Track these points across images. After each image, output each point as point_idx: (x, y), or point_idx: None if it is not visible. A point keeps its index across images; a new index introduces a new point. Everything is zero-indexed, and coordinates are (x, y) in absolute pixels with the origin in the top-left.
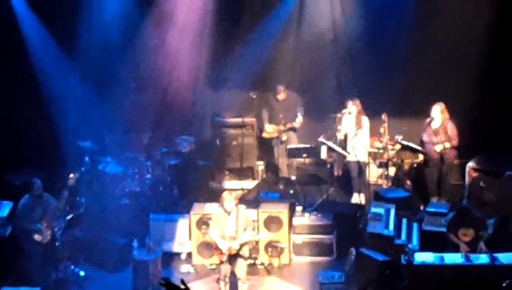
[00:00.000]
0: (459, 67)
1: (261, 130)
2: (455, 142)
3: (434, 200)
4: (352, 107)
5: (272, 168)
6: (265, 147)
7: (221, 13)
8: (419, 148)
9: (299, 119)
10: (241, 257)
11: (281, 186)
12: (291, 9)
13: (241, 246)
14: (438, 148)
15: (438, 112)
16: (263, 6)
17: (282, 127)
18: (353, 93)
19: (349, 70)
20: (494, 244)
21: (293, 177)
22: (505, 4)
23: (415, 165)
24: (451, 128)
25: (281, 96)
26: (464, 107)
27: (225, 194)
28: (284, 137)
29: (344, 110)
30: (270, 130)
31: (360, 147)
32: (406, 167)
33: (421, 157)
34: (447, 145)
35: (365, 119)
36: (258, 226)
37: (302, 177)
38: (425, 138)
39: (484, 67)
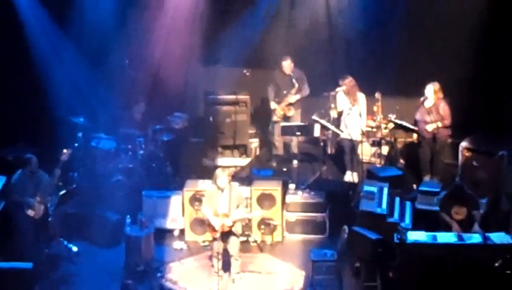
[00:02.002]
0: (453, 47)
1: (270, 110)
2: (447, 121)
3: (427, 179)
4: (342, 86)
5: (267, 145)
6: (260, 124)
7: None
8: (412, 127)
9: (305, 93)
10: (234, 234)
11: (274, 164)
12: None
13: (234, 223)
14: (430, 127)
15: (431, 92)
16: None
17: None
18: (347, 71)
19: (342, 49)
20: (487, 224)
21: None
22: None
23: (408, 144)
24: (444, 108)
25: (288, 68)
26: (457, 87)
27: (218, 171)
28: (291, 112)
29: (337, 89)
30: (278, 113)
31: (354, 126)
32: (399, 145)
33: (414, 136)
34: (439, 124)
35: (361, 96)
36: (251, 204)
37: (295, 155)
38: (418, 116)
39: (478, 47)
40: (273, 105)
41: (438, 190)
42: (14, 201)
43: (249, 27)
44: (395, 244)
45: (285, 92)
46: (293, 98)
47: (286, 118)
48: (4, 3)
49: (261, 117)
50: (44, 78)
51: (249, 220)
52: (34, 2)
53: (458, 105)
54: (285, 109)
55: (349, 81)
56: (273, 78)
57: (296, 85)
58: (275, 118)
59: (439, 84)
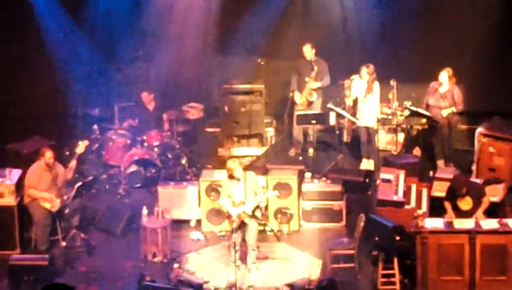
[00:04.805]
0: (468, 32)
1: (292, 101)
2: (461, 107)
3: (441, 165)
4: (366, 74)
5: (283, 134)
6: (275, 113)
7: None
8: (428, 114)
9: (326, 82)
10: (252, 223)
11: (290, 153)
12: None
13: (253, 211)
14: (445, 112)
15: (446, 77)
16: None
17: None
18: (361, 59)
19: (357, 37)
20: (503, 210)
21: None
22: None
23: (423, 131)
24: (458, 94)
25: (309, 53)
26: (473, 72)
27: (230, 164)
28: (314, 96)
29: (352, 76)
30: (300, 101)
31: (369, 113)
32: (415, 132)
33: (424, 121)
34: (454, 110)
35: (376, 84)
36: (266, 192)
37: (311, 143)
38: (432, 102)
39: (493, 31)
40: (295, 95)
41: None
42: (31, 194)
43: (264, 16)
44: (412, 232)
45: (306, 79)
46: (314, 84)
47: (309, 103)
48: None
49: (277, 106)
50: (59, 71)
51: (266, 209)
52: None
53: (474, 90)
54: (308, 94)
55: (373, 69)
56: (296, 67)
57: (316, 68)
58: (299, 105)
59: (452, 69)
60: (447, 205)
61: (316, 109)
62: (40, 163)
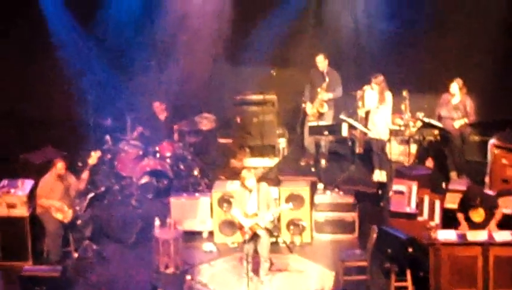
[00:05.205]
0: (480, 43)
1: (304, 111)
2: (473, 118)
3: (454, 176)
4: (375, 85)
5: (295, 144)
6: (288, 124)
7: None
8: (441, 125)
9: (338, 94)
10: (265, 236)
11: (302, 164)
12: None
13: (266, 227)
14: (458, 124)
15: (457, 88)
16: None
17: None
18: (373, 70)
19: (369, 48)
20: None
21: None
22: None
23: (436, 142)
24: (470, 105)
25: (321, 64)
26: (485, 83)
27: (244, 173)
28: (325, 108)
29: (365, 87)
30: (311, 112)
31: (382, 124)
32: (427, 144)
33: (436, 132)
34: (466, 121)
35: (388, 95)
36: (279, 204)
37: (323, 154)
38: (444, 113)
39: (506, 43)
40: (307, 106)
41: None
42: (42, 204)
43: (276, 26)
44: (425, 244)
45: (318, 90)
46: (325, 95)
47: (320, 115)
48: (31, 9)
49: (289, 117)
50: (71, 81)
51: (278, 220)
52: (60, 7)
53: (487, 101)
54: (318, 106)
55: (382, 79)
56: (309, 77)
57: (327, 79)
58: (309, 117)
59: (463, 80)
60: (460, 216)
61: (328, 120)
62: (52, 173)
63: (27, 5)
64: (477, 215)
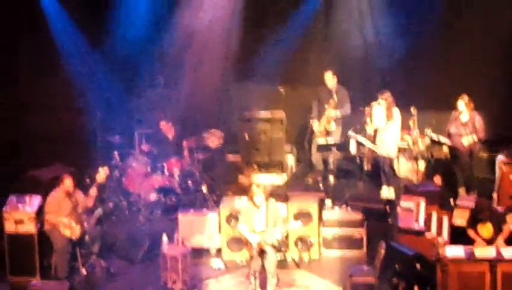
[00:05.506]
0: (488, 59)
1: (312, 128)
2: (481, 135)
3: (463, 192)
4: (382, 101)
5: (303, 161)
6: (296, 141)
7: (249, 9)
8: (449, 142)
9: (346, 111)
10: (271, 252)
11: (310, 181)
12: (318, 6)
13: (273, 244)
14: (466, 141)
15: (463, 105)
16: (290, 2)
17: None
18: (382, 86)
19: (376, 64)
20: None
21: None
22: None
23: (444, 159)
24: (479, 122)
25: (330, 81)
26: (493, 99)
27: (254, 188)
28: (332, 126)
29: (373, 103)
30: (318, 129)
31: (390, 141)
32: (436, 160)
33: (444, 149)
34: (475, 138)
35: (396, 111)
36: (287, 221)
37: (331, 171)
38: (453, 130)
39: None
40: (314, 123)
41: (475, 205)
42: (49, 220)
43: (284, 43)
44: (433, 260)
45: (326, 106)
46: (333, 112)
47: (327, 132)
48: (40, 26)
49: (297, 134)
50: (79, 98)
51: (286, 237)
52: (68, 24)
53: (494, 117)
54: (326, 123)
55: (388, 95)
56: (317, 94)
57: (335, 97)
58: (317, 134)
59: (469, 96)
60: (471, 233)
61: (335, 137)
62: (60, 190)
63: (36, 21)
64: (486, 230)
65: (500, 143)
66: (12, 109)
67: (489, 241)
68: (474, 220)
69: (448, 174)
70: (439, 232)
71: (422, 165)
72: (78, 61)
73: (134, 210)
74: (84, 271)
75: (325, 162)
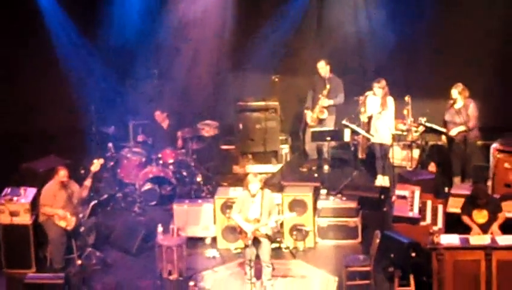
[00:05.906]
0: (483, 48)
1: (300, 116)
2: (473, 123)
3: (458, 181)
4: (378, 90)
5: (298, 151)
6: (290, 130)
7: None
8: (443, 130)
9: (339, 100)
10: (266, 241)
11: (305, 170)
12: None
13: (267, 233)
14: (455, 131)
15: (457, 94)
16: None
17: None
18: (376, 75)
19: (371, 53)
20: None
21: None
22: None
23: (438, 147)
24: (472, 110)
25: (323, 70)
26: (488, 88)
27: (250, 177)
28: (325, 114)
29: (367, 93)
30: (311, 118)
31: (384, 129)
32: (430, 148)
33: (443, 138)
34: (463, 128)
35: (390, 100)
36: (282, 210)
37: (326, 160)
38: (447, 118)
39: (508, 47)
40: (307, 112)
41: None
42: (45, 212)
43: (279, 33)
44: (428, 248)
45: (319, 96)
46: (326, 101)
47: (320, 121)
48: (34, 19)
49: (291, 123)
50: (74, 90)
51: (281, 226)
52: (63, 16)
53: (489, 106)
54: (318, 112)
55: (384, 84)
56: (311, 84)
57: (328, 86)
58: (309, 123)
59: (464, 84)
60: (466, 219)
61: (329, 126)
62: (55, 181)
63: (33, 17)
64: (481, 216)
65: (495, 131)
66: (7, 103)
67: (484, 226)
68: (470, 206)
69: (443, 162)
70: (434, 220)
71: (416, 153)
72: (72, 53)
73: (129, 201)
74: (79, 262)
75: (320, 151)
